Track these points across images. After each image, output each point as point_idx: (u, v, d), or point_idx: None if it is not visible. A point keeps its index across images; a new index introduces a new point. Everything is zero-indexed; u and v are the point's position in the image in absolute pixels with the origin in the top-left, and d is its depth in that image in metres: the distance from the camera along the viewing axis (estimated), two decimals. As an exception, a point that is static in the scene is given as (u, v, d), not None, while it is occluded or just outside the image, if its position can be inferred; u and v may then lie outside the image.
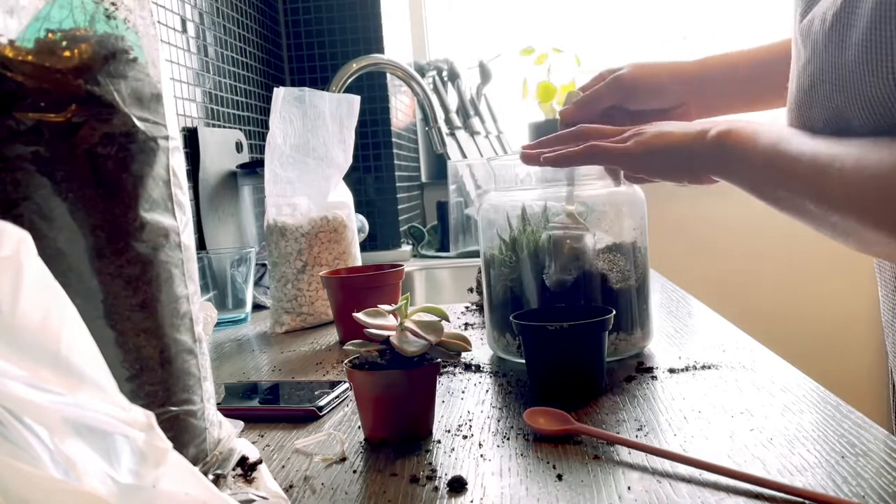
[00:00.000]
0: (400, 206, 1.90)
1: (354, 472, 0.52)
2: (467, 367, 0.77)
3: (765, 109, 0.84)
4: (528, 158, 0.75)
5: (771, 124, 0.63)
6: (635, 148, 0.70)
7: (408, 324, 0.59)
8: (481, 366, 0.78)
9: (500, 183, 0.82)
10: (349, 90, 1.41)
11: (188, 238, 0.41)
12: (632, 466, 0.50)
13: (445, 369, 0.77)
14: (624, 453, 0.52)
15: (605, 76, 0.84)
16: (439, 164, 2.34)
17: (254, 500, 0.40)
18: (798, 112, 0.60)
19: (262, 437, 0.61)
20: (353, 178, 1.84)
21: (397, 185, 1.89)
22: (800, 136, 0.59)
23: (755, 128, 0.63)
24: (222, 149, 1.42)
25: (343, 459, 0.54)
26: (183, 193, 0.41)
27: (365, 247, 1.62)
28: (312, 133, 1.06)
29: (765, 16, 2.26)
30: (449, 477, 0.49)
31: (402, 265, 0.99)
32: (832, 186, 0.53)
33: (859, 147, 0.52)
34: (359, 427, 0.61)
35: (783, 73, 0.66)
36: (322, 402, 0.66)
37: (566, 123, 0.82)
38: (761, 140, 0.61)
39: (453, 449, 0.55)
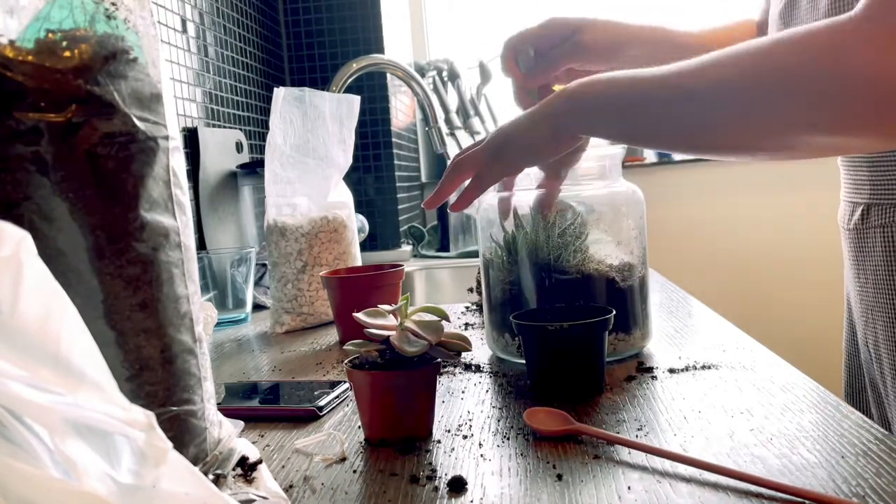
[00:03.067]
0: (400, 206, 1.90)
1: (354, 472, 0.52)
2: (467, 367, 0.77)
3: None
4: (429, 204, 0.74)
5: None
6: (492, 138, 0.69)
7: (408, 324, 0.59)
8: (481, 366, 0.78)
9: (499, 183, 0.82)
10: (349, 90, 1.41)
11: (188, 238, 0.41)
12: (632, 466, 0.50)
13: (445, 369, 0.77)
14: (624, 453, 0.52)
15: (556, 27, 0.81)
16: (439, 164, 2.35)
17: (254, 500, 0.40)
18: None
19: (262, 437, 0.61)
20: (353, 178, 1.84)
21: (397, 185, 1.89)
22: (656, 68, 0.57)
23: (608, 74, 0.61)
24: (222, 149, 1.42)
25: (343, 459, 0.54)
26: (183, 193, 0.41)
27: (365, 247, 1.62)
28: (312, 133, 1.06)
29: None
30: (449, 477, 0.49)
31: (402, 265, 0.99)
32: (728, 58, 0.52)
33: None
34: (359, 427, 0.61)
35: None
36: (322, 402, 0.66)
37: (520, 87, 0.81)
38: (617, 79, 0.60)
39: (453, 449, 0.55)
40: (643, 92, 0.58)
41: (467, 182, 0.71)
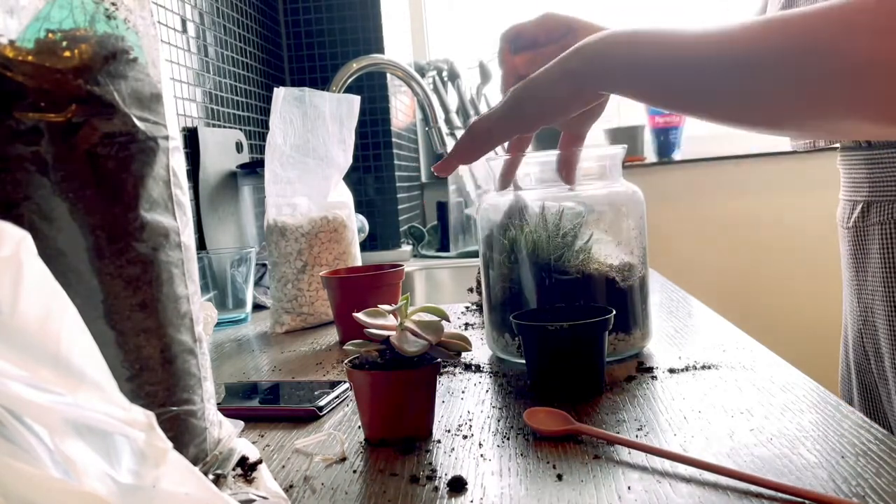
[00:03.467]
0: (400, 206, 1.90)
1: (354, 472, 0.52)
2: (467, 367, 0.77)
3: None
4: (440, 169, 0.70)
5: None
6: (508, 96, 0.64)
7: (408, 324, 0.59)
8: (481, 366, 0.78)
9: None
10: (349, 90, 1.41)
11: (188, 238, 0.41)
12: (632, 466, 0.50)
13: (445, 369, 0.77)
14: (624, 453, 0.52)
15: (551, 24, 0.78)
16: (439, 164, 2.34)
17: (254, 500, 0.40)
18: None
19: (262, 437, 0.61)
20: (353, 178, 1.84)
21: (397, 185, 1.89)
22: (689, 26, 0.53)
23: (633, 28, 0.57)
24: (222, 149, 1.42)
25: (343, 459, 0.54)
26: (183, 193, 0.41)
27: (365, 247, 1.62)
28: (312, 133, 1.06)
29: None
30: (449, 477, 0.49)
31: (402, 265, 0.99)
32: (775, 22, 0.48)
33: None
34: (359, 427, 0.61)
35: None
36: (322, 402, 0.66)
37: (510, 74, 0.78)
38: (646, 35, 0.56)
39: (453, 449, 0.55)
40: (677, 55, 0.54)
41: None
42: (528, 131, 0.66)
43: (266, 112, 1.68)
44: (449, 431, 0.59)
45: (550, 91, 0.62)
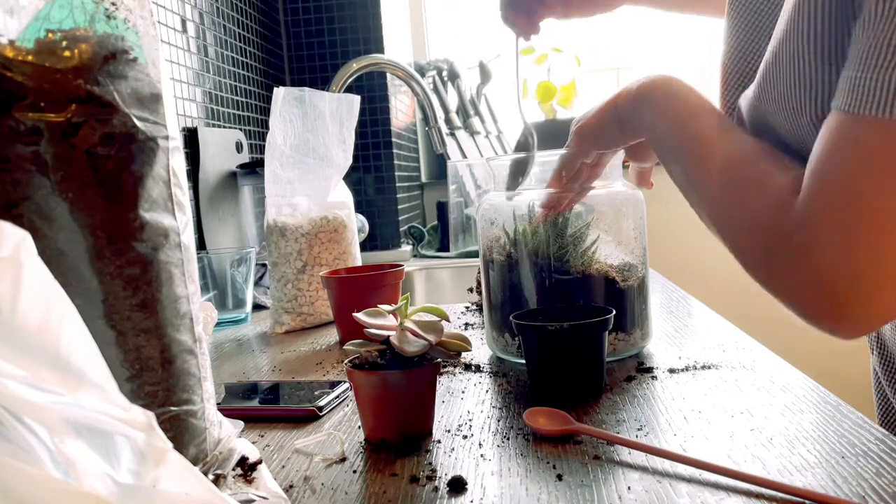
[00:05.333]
0: (400, 206, 1.90)
1: (354, 472, 0.52)
2: (467, 367, 0.77)
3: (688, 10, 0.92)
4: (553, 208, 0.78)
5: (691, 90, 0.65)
6: (575, 135, 0.74)
7: (408, 324, 0.59)
8: (481, 366, 0.78)
9: (499, 183, 0.82)
10: (349, 90, 1.41)
11: (188, 238, 0.41)
12: (632, 466, 0.50)
13: (445, 369, 0.77)
14: (624, 453, 0.52)
15: None
16: (439, 164, 2.35)
17: (254, 500, 0.40)
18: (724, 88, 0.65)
19: (262, 437, 0.61)
20: (353, 178, 1.84)
21: (397, 185, 1.89)
22: (702, 114, 0.62)
23: (671, 87, 0.65)
24: (222, 149, 1.42)
25: (343, 459, 0.54)
26: (183, 193, 0.41)
27: (365, 247, 1.62)
28: (312, 133, 1.06)
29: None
30: (449, 477, 0.49)
31: (402, 265, 0.99)
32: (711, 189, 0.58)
33: (757, 164, 0.56)
34: (359, 427, 0.61)
35: None
36: (322, 402, 0.66)
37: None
38: (670, 101, 0.64)
39: (453, 449, 0.55)
40: (669, 132, 0.63)
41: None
42: (582, 158, 0.76)
43: (266, 112, 1.68)
44: (449, 431, 0.59)
45: (598, 125, 0.72)
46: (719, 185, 0.57)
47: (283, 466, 0.54)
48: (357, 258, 1.11)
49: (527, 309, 0.75)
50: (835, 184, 0.48)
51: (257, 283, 1.26)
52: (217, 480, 0.40)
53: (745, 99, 0.60)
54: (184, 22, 1.31)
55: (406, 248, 1.88)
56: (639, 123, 0.67)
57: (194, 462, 0.40)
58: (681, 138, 0.61)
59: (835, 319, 0.51)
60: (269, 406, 0.68)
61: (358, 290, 0.93)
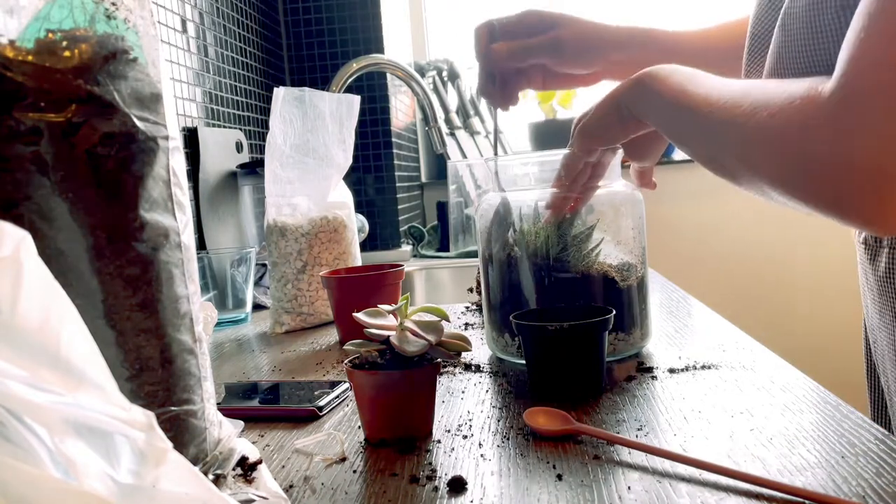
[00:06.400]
0: (400, 206, 1.90)
1: (354, 472, 0.52)
2: (467, 367, 0.77)
3: None
4: (559, 210, 0.76)
5: (692, 70, 0.63)
6: (578, 133, 0.72)
7: (408, 324, 0.59)
8: (481, 366, 0.78)
9: (500, 183, 0.82)
10: (349, 90, 1.41)
11: (188, 238, 0.41)
12: (632, 466, 0.50)
13: (445, 369, 0.77)
14: (624, 453, 0.52)
15: (533, 19, 0.82)
16: (439, 164, 2.35)
17: (254, 500, 0.40)
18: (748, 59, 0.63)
19: (262, 437, 0.61)
20: (353, 178, 1.84)
21: (397, 185, 1.89)
22: (710, 77, 0.59)
23: (674, 67, 0.63)
24: (222, 149, 1.42)
25: (343, 459, 0.54)
26: (183, 193, 0.41)
27: (365, 247, 1.62)
28: (312, 133, 1.06)
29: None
30: (449, 477, 0.49)
31: (402, 265, 0.99)
32: (728, 131, 0.54)
33: (764, 92, 0.51)
34: (359, 427, 0.61)
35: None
36: (322, 402, 0.66)
37: (487, 71, 0.82)
38: (674, 77, 0.62)
39: (453, 449, 0.55)
40: (678, 100, 0.60)
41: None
42: (586, 156, 0.74)
43: (266, 112, 1.68)
44: (449, 431, 0.59)
45: (598, 121, 0.69)
46: (743, 111, 0.52)
47: (283, 466, 0.54)
48: (357, 258, 1.11)
49: (527, 309, 0.75)
50: (875, 49, 0.43)
51: (257, 283, 1.26)
52: (217, 480, 0.40)
53: (766, 68, 0.58)
54: (184, 22, 1.31)
55: (406, 248, 1.88)
56: (643, 107, 0.65)
57: (194, 462, 0.40)
58: (691, 96, 0.58)
59: (876, 210, 0.46)
60: (269, 406, 0.68)
61: (358, 290, 0.93)
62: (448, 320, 0.63)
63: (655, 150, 0.77)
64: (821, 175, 0.48)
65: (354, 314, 0.61)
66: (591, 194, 0.77)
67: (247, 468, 0.42)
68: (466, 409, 0.64)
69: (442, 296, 1.69)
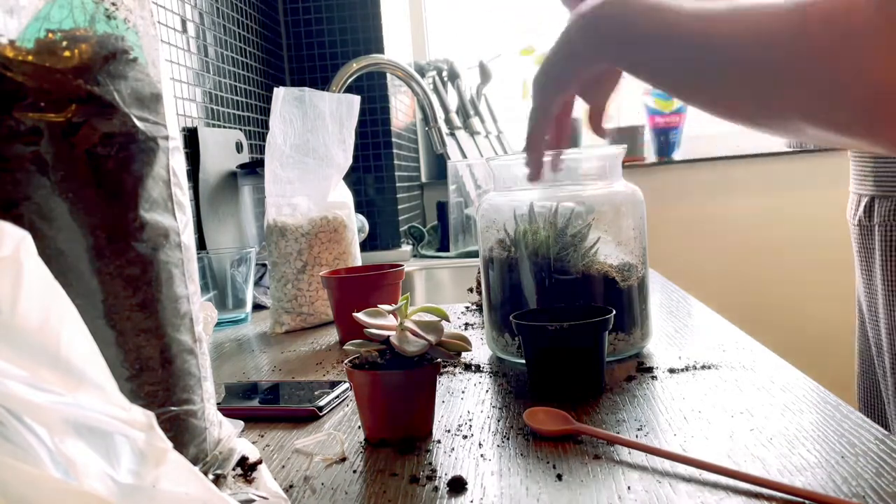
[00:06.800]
0: (400, 206, 1.90)
1: (354, 472, 0.52)
2: (467, 367, 0.77)
3: None
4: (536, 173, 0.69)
5: None
6: (532, 85, 0.64)
7: (408, 324, 0.59)
8: (481, 366, 0.78)
9: (499, 183, 0.82)
10: (349, 90, 1.41)
11: (188, 238, 0.41)
12: (632, 466, 0.50)
13: (445, 369, 0.77)
14: (624, 453, 0.52)
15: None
16: (439, 164, 2.34)
17: (254, 500, 0.40)
18: None
19: (262, 437, 0.61)
20: (353, 178, 1.84)
21: (397, 185, 1.89)
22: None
23: None
24: (222, 149, 1.42)
25: (343, 459, 0.54)
26: (183, 193, 0.41)
27: (365, 247, 1.62)
28: (312, 133, 1.06)
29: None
30: (449, 477, 0.49)
31: (402, 265, 0.99)
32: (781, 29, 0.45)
33: None
34: (359, 427, 0.61)
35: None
36: (322, 402, 0.66)
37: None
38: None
39: (453, 449, 0.55)
40: (661, 26, 0.52)
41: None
42: (548, 107, 0.65)
43: (266, 112, 1.68)
44: (449, 431, 0.59)
45: (552, 67, 0.62)
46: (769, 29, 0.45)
47: (283, 466, 0.54)
48: (357, 258, 1.11)
49: (527, 309, 0.75)
50: None
51: (257, 283, 1.26)
52: (217, 480, 0.40)
53: None
54: (184, 22, 1.31)
55: (406, 248, 1.87)
56: (603, 49, 0.57)
57: (194, 462, 0.40)
58: (683, 24, 0.50)
59: None
60: (269, 406, 0.68)
61: (358, 290, 0.93)
62: (448, 320, 0.63)
63: (608, 87, 0.70)
64: (855, 96, 0.42)
65: (354, 314, 0.61)
66: (566, 148, 0.71)
67: (247, 468, 0.42)
68: (466, 409, 0.64)
69: (442, 296, 1.69)
